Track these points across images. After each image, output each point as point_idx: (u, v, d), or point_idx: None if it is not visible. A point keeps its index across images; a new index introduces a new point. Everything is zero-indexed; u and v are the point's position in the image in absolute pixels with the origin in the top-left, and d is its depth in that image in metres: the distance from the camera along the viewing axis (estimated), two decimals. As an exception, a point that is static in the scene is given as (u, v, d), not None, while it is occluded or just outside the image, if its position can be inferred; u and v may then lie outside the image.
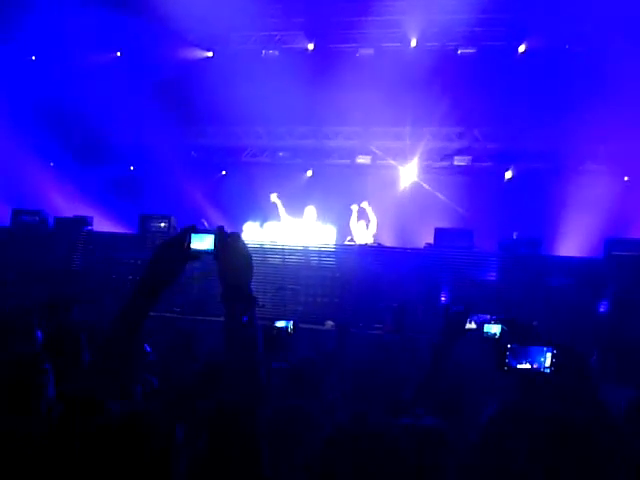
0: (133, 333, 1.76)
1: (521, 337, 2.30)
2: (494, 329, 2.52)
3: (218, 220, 11.20)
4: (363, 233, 10.45)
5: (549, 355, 2.37)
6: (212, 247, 1.79)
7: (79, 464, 1.36)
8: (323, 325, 8.63)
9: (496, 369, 2.83)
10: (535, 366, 2.40)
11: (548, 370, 2.38)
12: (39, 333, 3.17)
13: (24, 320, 3.21)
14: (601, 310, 8.02)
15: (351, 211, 10.65)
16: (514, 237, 9.61)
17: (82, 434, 1.37)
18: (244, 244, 1.79)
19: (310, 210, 10.54)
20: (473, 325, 2.99)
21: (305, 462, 2.02)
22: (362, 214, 10.62)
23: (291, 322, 5.14)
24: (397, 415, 2.29)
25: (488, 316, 3.02)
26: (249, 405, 1.59)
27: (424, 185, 12.97)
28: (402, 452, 1.78)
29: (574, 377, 2.47)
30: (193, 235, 1.81)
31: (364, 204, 10.58)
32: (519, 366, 2.45)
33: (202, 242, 1.80)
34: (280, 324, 5.13)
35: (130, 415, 1.39)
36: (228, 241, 1.78)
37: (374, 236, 10.52)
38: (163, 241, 1.84)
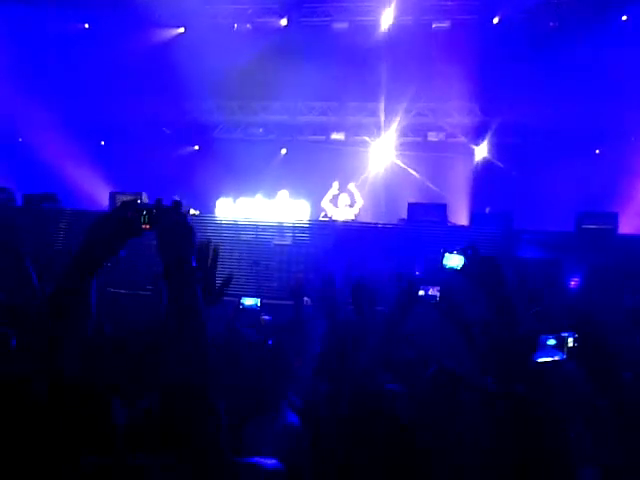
0: (70, 310, 1.69)
1: (485, 269, 2.18)
2: (455, 261, 2.30)
3: (191, 196, 11.08)
4: (345, 210, 10.44)
5: (570, 340, 2.30)
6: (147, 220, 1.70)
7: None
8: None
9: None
10: (557, 358, 2.34)
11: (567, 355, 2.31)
12: None
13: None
14: (572, 283, 8.10)
15: (326, 187, 10.61)
16: (487, 211, 9.66)
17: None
18: (184, 216, 1.71)
19: (283, 193, 10.52)
20: (433, 292, 3.01)
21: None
22: (344, 192, 10.64)
23: (259, 300, 5.17)
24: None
25: (438, 287, 3.04)
26: (197, 382, 1.55)
27: (397, 161, 12.96)
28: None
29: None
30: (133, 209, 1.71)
31: (351, 186, 10.59)
32: (540, 360, 2.37)
33: (143, 217, 1.71)
34: (249, 302, 5.13)
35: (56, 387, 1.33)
36: (166, 214, 1.69)
37: (356, 216, 10.53)
38: (101, 216, 1.74)
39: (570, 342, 2.31)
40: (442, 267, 2.30)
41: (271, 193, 10.66)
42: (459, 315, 3.09)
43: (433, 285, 3.13)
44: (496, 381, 2.19)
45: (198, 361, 1.57)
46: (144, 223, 1.72)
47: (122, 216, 1.73)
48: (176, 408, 1.50)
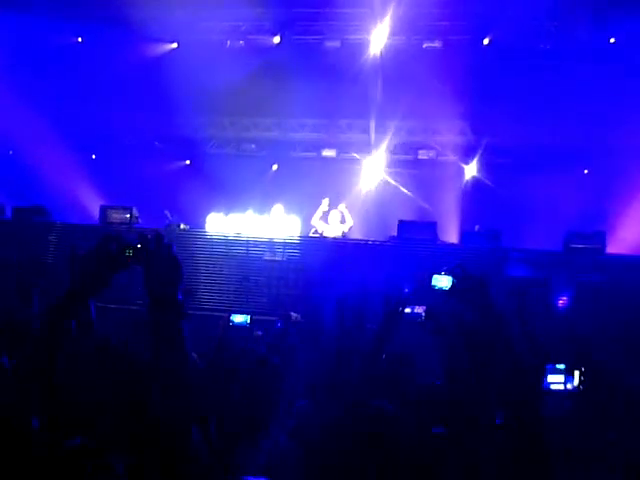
0: (58, 340, 1.69)
1: (471, 289, 2.16)
2: (443, 282, 2.28)
3: (182, 211, 11.08)
4: (336, 227, 10.44)
5: (577, 373, 2.29)
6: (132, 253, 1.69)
7: None
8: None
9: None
10: (569, 387, 2.32)
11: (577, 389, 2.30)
12: None
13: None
14: (559, 302, 8.15)
15: (317, 204, 10.63)
16: (476, 229, 9.72)
17: None
18: (169, 248, 1.66)
19: (278, 208, 10.53)
20: (419, 310, 3.06)
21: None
22: (333, 208, 10.65)
23: (249, 316, 5.15)
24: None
25: (424, 307, 3.09)
26: (181, 422, 1.51)
27: (388, 179, 13.04)
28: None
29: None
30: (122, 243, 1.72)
31: (341, 206, 10.59)
32: (553, 387, 2.35)
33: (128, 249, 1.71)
34: (238, 319, 5.12)
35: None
36: (150, 247, 1.66)
37: (344, 233, 10.53)
38: (88, 250, 1.73)
39: (577, 376, 2.31)
40: (431, 288, 2.31)
41: (262, 209, 10.67)
42: (445, 334, 3.13)
43: (421, 303, 3.17)
44: (504, 411, 2.18)
45: (179, 397, 1.53)
46: (128, 258, 1.71)
47: (106, 252, 1.72)
48: (159, 441, 1.48)
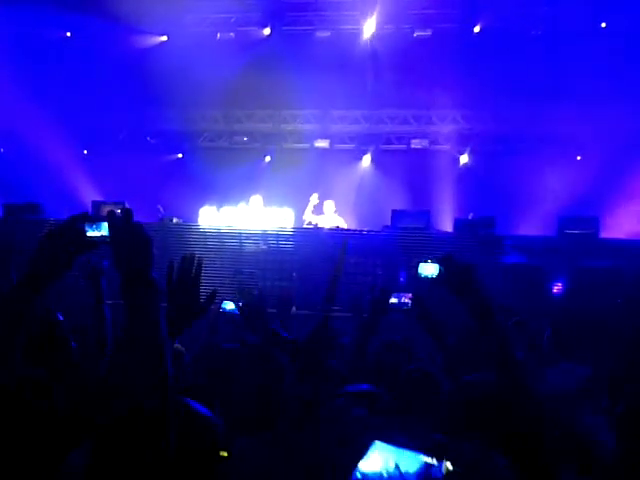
0: (11, 331, 1.61)
1: (457, 277, 2.13)
2: (430, 269, 2.24)
3: (175, 205, 11.03)
4: (330, 216, 10.39)
5: None
6: (108, 233, 1.64)
7: None
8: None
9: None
10: None
11: None
12: None
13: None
14: (555, 287, 8.14)
15: (310, 194, 10.60)
16: (470, 217, 9.70)
17: None
18: (139, 225, 1.61)
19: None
20: (405, 300, 3.08)
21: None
22: (326, 198, 10.61)
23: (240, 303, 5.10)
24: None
25: (410, 294, 3.12)
26: (155, 414, 1.40)
27: (381, 169, 13.01)
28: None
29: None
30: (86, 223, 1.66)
31: (335, 214, 10.53)
32: None
33: (97, 229, 1.66)
34: (230, 306, 5.09)
35: None
36: (119, 224, 1.60)
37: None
38: (51, 230, 1.67)
39: None
40: (417, 276, 2.27)
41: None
42: (433, 322, 3.15)
43: (408, 292, 3.17)
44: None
45: (157, 383, 1.44)
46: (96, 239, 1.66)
47: (71, 228, 1.66)
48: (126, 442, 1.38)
